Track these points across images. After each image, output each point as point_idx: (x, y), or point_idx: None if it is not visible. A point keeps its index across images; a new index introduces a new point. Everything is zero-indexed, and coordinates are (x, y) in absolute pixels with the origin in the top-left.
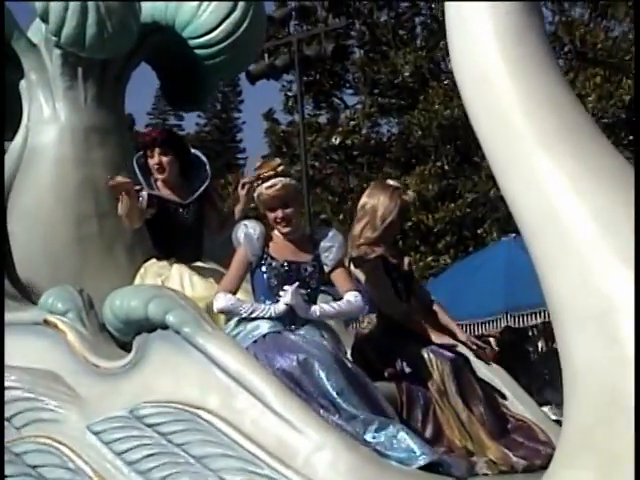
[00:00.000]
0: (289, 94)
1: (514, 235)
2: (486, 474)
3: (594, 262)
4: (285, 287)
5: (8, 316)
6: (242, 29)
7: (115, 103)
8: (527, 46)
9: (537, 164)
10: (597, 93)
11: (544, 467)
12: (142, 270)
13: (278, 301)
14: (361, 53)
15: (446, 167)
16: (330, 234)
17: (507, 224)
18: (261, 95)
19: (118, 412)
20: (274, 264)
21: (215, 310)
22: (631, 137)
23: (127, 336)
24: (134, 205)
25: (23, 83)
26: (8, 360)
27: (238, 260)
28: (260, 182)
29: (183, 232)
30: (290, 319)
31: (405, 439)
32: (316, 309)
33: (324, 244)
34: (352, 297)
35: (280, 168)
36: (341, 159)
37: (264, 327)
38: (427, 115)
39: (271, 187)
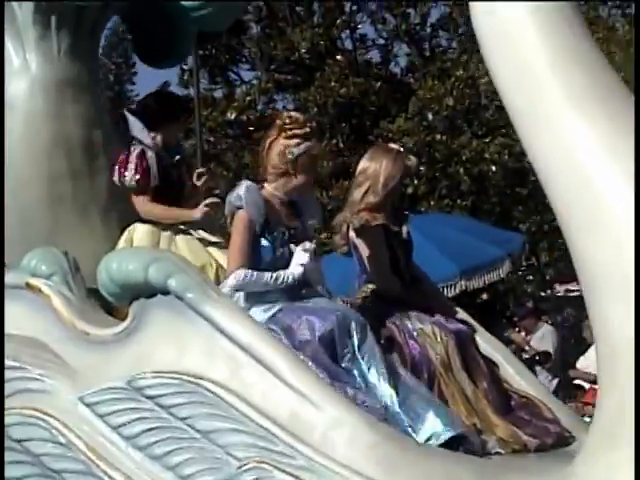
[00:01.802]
0: (184, 67)
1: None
2: (498, 453)
3: (631, 229)
4: (299, 248)
5: None
6: None
7: (90, 55)
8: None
9: (566, 123)
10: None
11: (555, 446)
12: (126, 233)
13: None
14: (258, 28)
15: (341, 145)
16: (309, 199)
17: (401, 202)
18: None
19: (114, 383)
20: (276, 230)
21: (230, 287)
22: None
23: (123, 301)
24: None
25: None
26: None
27: (243, 225)
28: (298, 140)
29: (172, 192)
30: (298, 291)
31: (429, 412)
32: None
33: (305, 208)
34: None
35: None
36: (236, 134)
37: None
38: (323, 92)
39: (314, 147)
